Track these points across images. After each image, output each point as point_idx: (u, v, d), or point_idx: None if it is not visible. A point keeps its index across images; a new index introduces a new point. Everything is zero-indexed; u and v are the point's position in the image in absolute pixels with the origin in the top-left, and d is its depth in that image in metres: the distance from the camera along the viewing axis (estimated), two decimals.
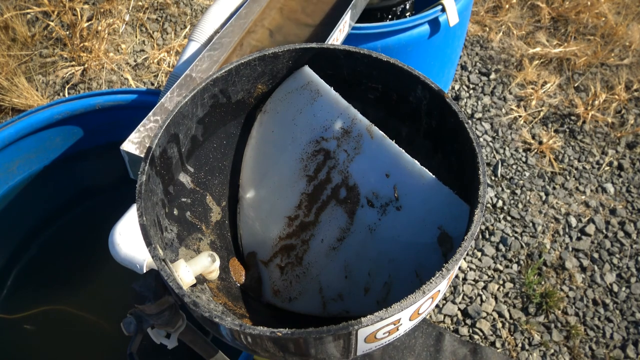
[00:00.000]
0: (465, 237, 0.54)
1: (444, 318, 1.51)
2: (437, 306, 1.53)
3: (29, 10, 2.10)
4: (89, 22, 2.08)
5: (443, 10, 1.40)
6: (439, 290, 0.54)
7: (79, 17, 2.08)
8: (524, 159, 1.85)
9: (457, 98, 2.03)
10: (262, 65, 0.71)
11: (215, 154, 0.76)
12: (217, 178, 0.77)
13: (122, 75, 2.00)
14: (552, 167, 1.84)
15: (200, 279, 0.67)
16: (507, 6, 2.33)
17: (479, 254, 1.63)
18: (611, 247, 1.65)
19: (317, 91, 0.74)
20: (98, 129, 1.14)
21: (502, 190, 1.78)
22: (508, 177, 1.81)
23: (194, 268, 0.61)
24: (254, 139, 0.78)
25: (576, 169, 1.84)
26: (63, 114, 1.07)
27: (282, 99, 0.76)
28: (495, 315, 1.51)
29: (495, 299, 1.54)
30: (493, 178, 1.81)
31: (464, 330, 1.48)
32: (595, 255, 1.63)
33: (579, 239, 1.67)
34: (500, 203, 1.74)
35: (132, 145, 0.81)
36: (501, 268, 1.59)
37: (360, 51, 0.70)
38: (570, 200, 1.75)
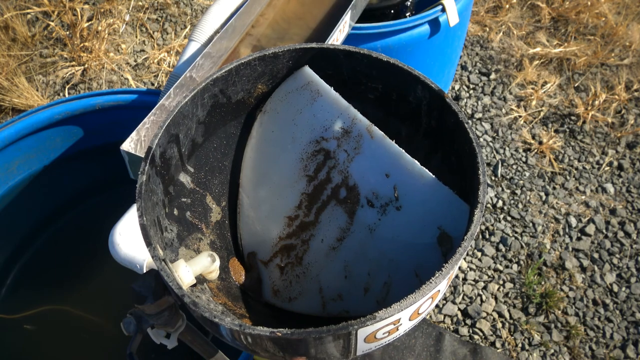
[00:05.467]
0: (465, 237, 0.54)
1: (444, 318, 1.51)
2: (437, 306, 1.53)
3: (29, 10, 2.10)
4: (89, 22, 2.08)
5: (443, 10, 1.40)
6: (439, 290, 0.54)
7: (79, 17, 2.08)
8: (524, 159, 1.85)
9: (457, 98, 2.04)
10: (262, 65, 0.71)
11: (216, 154, 0.76)
12: (217, 178, 0.77)
13: (122, 75, 2.00)
14: (552, 167, 1.84)
15: (200, 279, 0.67)
16: (507, 6, 2.33)
17: (479, 254, 1.63)
18: (611, 247, 1.65)
19: (317, 91, 0.74)
20: (98, 129, 1.14)
21: (502, 190, 1.78)
22: (508, 177, 1.81)
23: (193, 268, 0.61)
24: (254, 139, 0.78)
25: (576, 169, 1.84)
26: (63, 114, 1.07)
27: (282, 99, 0.76)
28: (495, 315, 1.51)
29: (495, 299, 1.54)
30: (493, 178, 1.81)
31: (464, 330, 1.48)
32: (595, 255, 1.63)
33: (579, 239, 1.67)
34: (500, 203, 1.74)
35: (132, 145, 0.81)
36: (501, 268, 1.59)
37: (360, 51, 0.70)
38: (570, 200, 1.75)
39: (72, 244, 1.22)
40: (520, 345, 1.46)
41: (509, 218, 1.71)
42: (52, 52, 2.04)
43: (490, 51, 2.19)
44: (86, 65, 1.99)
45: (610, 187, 1.79)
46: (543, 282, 1.57)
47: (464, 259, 1.62)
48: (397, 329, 0.54)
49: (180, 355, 0.94)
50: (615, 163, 1.86)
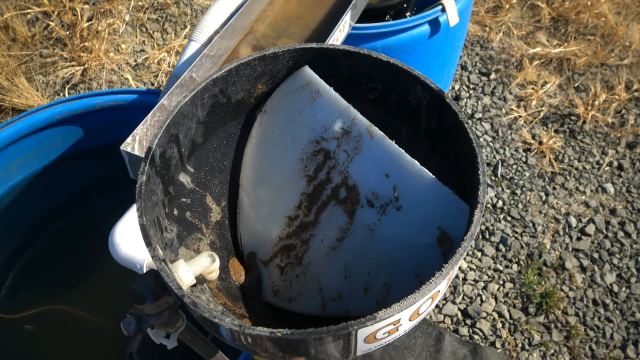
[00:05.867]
0: (465, 237, 0.54)
1: (444, 318, 1.51)
2: (437, 306, 1.53)
3: (29, 10, 2.10)
4: (89, 22, 2.08)
5: (443, 10, 1.40)
6: (439, 291, 0.54)
7: (79, 17, 2.08)
8: (524, 159, 1.85)
9: (457, 98, 2.03)
10: (262, 65, 0.71)
11: (215, 154, 0.76)
12: (217, 178, 0.77)
13: (122, 75, 2.00)
14: (552, 167, 1.84)
15: (200, 279, 0.67)
16: (507, 6, 2.33)
17: (479, 254, 1.63)
18: (611, 247, 1.65)
19: (317, 91, 0.74)
20: (98, 129, 1.14)
21: (502, 190, 1.78)
22: (508, 177, 1.81)
23: (193, 268, 0.61)
24: (254, 139, 0.78)
25: (576, 169, 1.84)
26: (63, 114, 1.07)
27: (282, 99, 0.76)
28: (495, 315, 1.51)
29: (495, 299, 1.54)
30: (493, 178, 1.81)
31: (464, 330, 1.48)
32: (595, 255, 1.63)
33: (579, 239, 1.67)
34: (500, 203, 1.74)
35: (132, 145, 0.81)
36: (501, 268, 1.59)
37: (360, 51, 0.70)
38: (570, 200, 1.75)
39: (72, 244, 1.22)
40: (520, 345, 1.46)
41: (509, 218, 1.71)
42: (52, 52, 2.04)
43: (490, 51, 2.19)
44: (86, 65, 1.99)
45: (610, 187, 1.79)
46: (543, 282, 1.57)
47: (464, 259, 1.62)
48: (397, 329, 0.54)
49: (180, 355, 0.94)
50: (615, 163, 1.86)
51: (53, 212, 1.23)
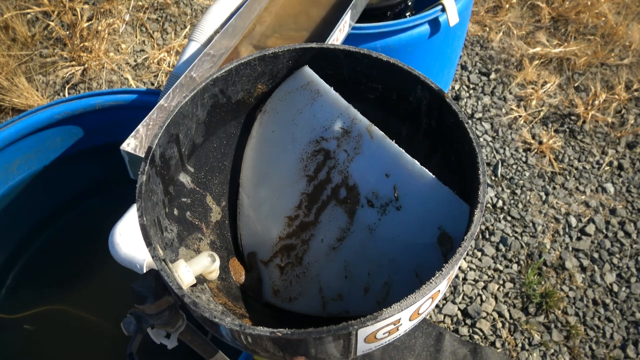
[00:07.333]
0: (465, 237, 0.54)
1: (444, 318, 1.51)
2: (437, 306, 1.53)
3: (29, 10, 2.10)
4: (89, 22, 2.08)
5: (443, 10, 1.40)
6: (439, 290, 0.54)
7: (79, 17, 2.08)
8: (524, 159, 1.85)
9: (457, 98, 2.03)
10: (262, 65, 0.71)
11: (215, 154, 0.76)
12: (217, 178, 0.77)
13: (122, 75, 2.00)
14: (552, 167, 1.84)
15: (200, 279, 0.67)
16: (507, 6, 2.33)
17: (479, 254, 1.63)
18: (611, 247, 1.65)
19: (317, 91, 0.74)
20: (98, 129, 1.14)
21: (502, 190, 1.78)
22: (508, 177, 1.81)
23: (194, 268, 0.61)
24: (254, 139, 0.78)
25: (576, 169, 1.84)
26: (63, 114, 1.07)
27: (282, 99, 0.76)
28: (495, 315, 1.51)
29: (495, 299, 1.54)
30: (493, 178, 1.81)
31: (464, 330, 1.48)
32: (595, 255, 1.63)
33: (579, 239, 1.67)
34: (500, 203, 1.74)
35: (132, 145, 0.81)
36: (501, 268, 1.59)
37: (360, 51, 0.70)
38: (570, 200, 1.75)
39: (72, 244, 1.22)
40: (520, 345, 1.46)
41: (509, 218, 1.71)
42: (52, 52, 2.04)
43: (490, 51, 2.19)
44: (86, 65, 1.99)
45: (610, 187, 1.79)
46: (543, 282, 1.57)
47: (464, 258, 1.62)
48: (397, 329, 0.54)
49: (180, 355, 0.94)
50: (615, 163, 1.86)
51: (53, 212, 1.23)
